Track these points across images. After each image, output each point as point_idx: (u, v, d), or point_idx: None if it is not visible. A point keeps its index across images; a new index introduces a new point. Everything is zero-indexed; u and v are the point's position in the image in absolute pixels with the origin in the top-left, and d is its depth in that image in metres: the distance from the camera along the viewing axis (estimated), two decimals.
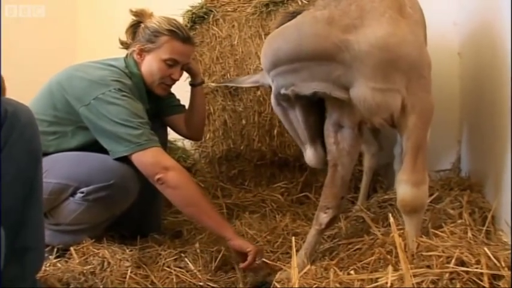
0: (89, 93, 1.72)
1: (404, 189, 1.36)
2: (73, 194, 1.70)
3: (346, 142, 1.56)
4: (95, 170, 1.70)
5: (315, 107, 1.56)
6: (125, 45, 1.95)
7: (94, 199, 1.68)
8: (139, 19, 1.91)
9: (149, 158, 1.68)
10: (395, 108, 1.36)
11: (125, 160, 1.71)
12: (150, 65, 1.87)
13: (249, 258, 1.62)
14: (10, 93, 2.84)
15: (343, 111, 1.51)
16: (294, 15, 1.52)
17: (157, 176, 1.66)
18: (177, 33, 1.85)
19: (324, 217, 1.60)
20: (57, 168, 1.71)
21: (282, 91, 1.48)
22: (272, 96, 1.59)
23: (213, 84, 2.42)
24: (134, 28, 1.92)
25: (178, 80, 1.94)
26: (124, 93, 1.74)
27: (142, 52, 1.88)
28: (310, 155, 1.62)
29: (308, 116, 1.56)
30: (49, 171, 1.70)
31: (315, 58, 1.37)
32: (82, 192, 1.68)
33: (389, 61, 1.31)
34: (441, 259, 1.08)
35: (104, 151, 1.74)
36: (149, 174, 1.69)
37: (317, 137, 1.60)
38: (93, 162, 1.72)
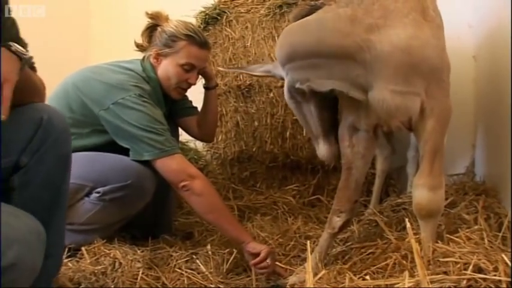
0: (108, 97, 1.74)
1: (420, 193, 1.35)
2: (88, 194, 1.71)
3: (361, 145, 1.54)
4: (111, 170, 1.71)
5: (329, 102, 1.55)
6: (141, 48, 1.96)
7: (110, 199, 1.69)
8: (155, 22, 1.91)
9: (174, 165, 1.71)
10: (414, 111, 1.34)
11: (141, 160, 1.72)
12: (166, 70, 1.88)
13: (261, 255, 1.63)
14: None
15: (360, 114, 1.48)
16: (312, 8, 1.48)
17: (183, 183, 1.69)
18: (195, 38, 1.86)
19: (337, 221, 1.57)
20: (73, 168, 1.71)
21: (297, 85, 1.45)
22: (285, 89, 1.56)
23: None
24: (150, 31, 1.92)
25: (195, 84, 1.95)
26: (144, 99, 1.76)
27: (159, 56, 1.88)
28: (323, 149, 1.59)
29: (322, 110, 1.54)
30: None
31: (334, 55, 1.34)
32: (98, 192, 1.69)
33: (411, 64, 1.29)
34: (458, 265, 1.06)
35: (118, 152, 1.74)
36: (174, 181, 1.72)
37: (331, 131, 1.58)
38: (110, 162, 1.73)
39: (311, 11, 1.47)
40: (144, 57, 1.93)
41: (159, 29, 1.89)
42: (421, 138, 1.37)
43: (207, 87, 2.10)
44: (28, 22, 2.94)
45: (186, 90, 1.97)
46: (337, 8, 1.36)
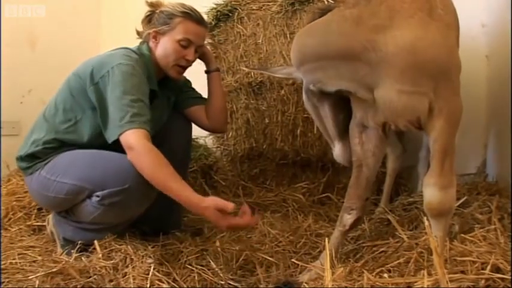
0: (95, 73, 1.73)
1: (431, 192, 1.34)
2: (90, 196, 1.70)
3: (371, 143, 1.54)
4: (109, 173, 1.67)
5: (344, 104, 1.55)
6: (141, 34, 1.97)
7: (109, 203, 1.67)
8: (154, 9, 1.93)
9: (123, 140, 1.63)
10: (422, 111, 1.34)
11: None
12: (164, 47, 1.89)
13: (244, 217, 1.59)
14: (39, 87, 2.88)
15: (367, 112, 1.49)
16: (324, 12, 1.51)
17: (129, 157, 1.62)
18: (191, 15, 1.88)
19: (348, 218, 1.58)
20: (74, 168, 1.72)
21: (311, 87, 1.50)
22: (303, 92, 1.59)
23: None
24: (150, 18, 1.94)
25: (192, 60, 1.93)
26: (127, 65, 1.73)
27: (157, 35, 1.90)
28: (338, 151, 1.61)
29: (337, 112, 1.56)
30: (66, 171, 1.72)
31: (340, 57, 1.37)
32: (98, 196, 1.67)
33: (417, 64, 1.28)
34: (476, 265, 1.05)
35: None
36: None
37: (346, 133, 1.60)
38: (109, 164, 1.69)
39: (323, 15, 1.50)
40: (142, 40, 1.95)
41: (157, 11, 1.92)
42: (430, 138, 1.36)
43: (207, 71, 2.09)
44: (37, 16, 2.99)
45: (184, 69, 1.95)
46: (344, 10, 1.38)
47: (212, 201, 1.57)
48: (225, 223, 1.56)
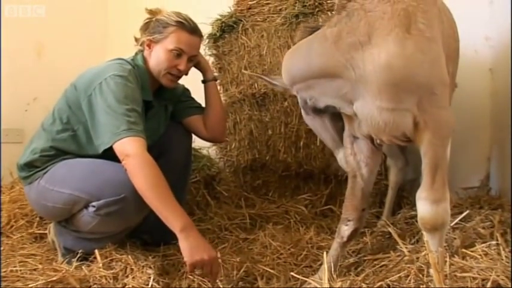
0: (92, 82, 1.73)
1: (423, 206, 1.34)
2: (86, 207, 1.69)
3: (362, 154, 1.56)
4: (105, 183, 1.66)
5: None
6: (139, 41, 1.99)
7: (106, 213, 1.66)
8: (152, 17, 1.95)
9: (117, 148, 1.63)
10: (405, 127, 1.34)
11: None
12: (157, 55, 1.89)
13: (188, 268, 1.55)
14: (43, 95, 2.89)
15: (353, 125, 1.51)
16: (313, 29, 1.54)
17: (123, 164, 1.62)
18: (184, 24, 1.88)
19: (345, 229, 1.59)
20: (71, 178, 1.72)
21: (308, 102, 1.53)
22: (301, 108, 1.64)
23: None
24: (147, 25, 1.96)
25: (184, 71, 1.92)
26: (120, 76, 1.73)
27: (151, 43, 1.91)
28: (342, 157, 1.64)
29: (337, 121, 1.60)
30: (63, 181, 1.72)
31: (323, 76, 1.41)
32: (94, 206, 1.66)
33: (395, 82, 1.28)
34: (476, 281, 1.04)
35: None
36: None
37: None
38: (105, 174, 1.68)
39: (312, 32, 1.53)
40: (138, 49, 1.97)
41: (153, 19, 1.93)
42: (421, 151, 1.36)
43: (204, 81, 2.10)
44: (45, 18, 3.01)
45: (177, 78, 1.95)
46: (326, 29, 1.40)
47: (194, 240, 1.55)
48: (197, 258, 1.52)
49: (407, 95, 1.29)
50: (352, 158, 1.57)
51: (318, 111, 1.56)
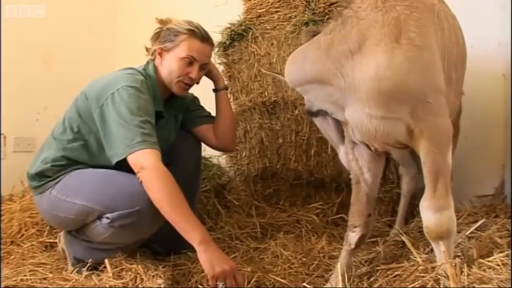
0: (105, 93, 1.72)
1: (426, 215, 1.33)
2: (100, 218, 1.69)
3: (363, 159, 1.56)
4: (120, 195, 1.65)
5: None
6: (150, 51, 1.99)
7: (120, 226, 1.65)
8: (163, 26, 1.95)
9: (132, 160, 1.62)
10: (397, 134, 1.34)
11: None
12: (169, 64, 1.89)
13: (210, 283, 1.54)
14: (54, 104, 2.92)
15: (348, 131, 1.52)
16: (315, 33, 1.54)
17: (138, 176, 1.61)
18: (195, 32, 1.88)
19: (352, 236, 1.58)
20: (84, 188, 1.71)
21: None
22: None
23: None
24: (158, 34, 1.96)
25: (196, 79, 1.92)
26: (132, 87, 1.72)
27: (162, 52, 1.91)
28: (343, 153, 1.63)
29: (338, 120, 1.57)
30: (76, 192, 1.71)
31: (316, 82, 1.44)
32: (108, 218, 1.65)
33: (383, 93, 1.28)
34: None
35: None
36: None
37: None
38: (119, 186, 1.67)
39: (314, 36, 1.54)
40: (150, 58, 1.97)
41: (164, 28, 1.93)
42: (421, 160, 1.35)
43: (215, 89, 2.09)
44: (48, 20, 3.03)
45: (189, 86, 1.94)
46: (321, 36, 1.43)
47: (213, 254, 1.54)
48: (219, 269, 1.51)
49: (397, 104, 1.30)
50: (354, 163, 1.58)
51: (310, 113, 1.59)
